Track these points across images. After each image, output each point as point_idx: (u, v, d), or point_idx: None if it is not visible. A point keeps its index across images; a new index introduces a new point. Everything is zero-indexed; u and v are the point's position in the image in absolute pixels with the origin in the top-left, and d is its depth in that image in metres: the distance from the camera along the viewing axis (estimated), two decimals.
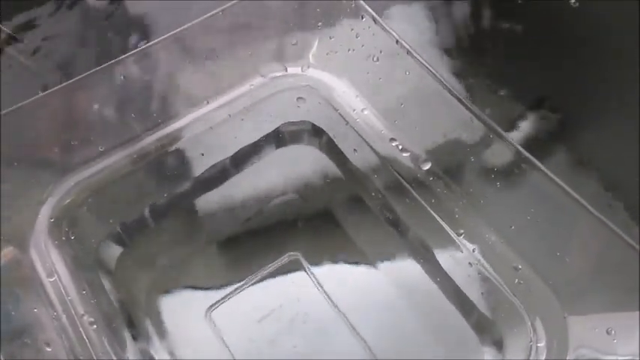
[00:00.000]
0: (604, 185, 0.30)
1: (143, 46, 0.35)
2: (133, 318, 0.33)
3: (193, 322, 0.33)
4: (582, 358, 0.29)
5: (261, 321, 0.33)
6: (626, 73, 0.30)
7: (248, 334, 0.33)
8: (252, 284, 0.34)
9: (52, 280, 0.32)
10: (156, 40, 0.35)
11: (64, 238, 0.34)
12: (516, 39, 0.33)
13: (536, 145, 0.32)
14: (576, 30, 0.32)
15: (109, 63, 0.34)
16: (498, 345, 0.31)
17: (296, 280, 0.35)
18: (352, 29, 0.37)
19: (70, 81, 0.33)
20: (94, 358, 0.30)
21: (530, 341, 0.31)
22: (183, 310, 0.34)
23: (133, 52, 0.34)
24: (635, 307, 0.28)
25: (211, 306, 0.34)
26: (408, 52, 0.34)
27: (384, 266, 0.35)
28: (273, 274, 0.35)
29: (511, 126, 0.32)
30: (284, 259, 0.35)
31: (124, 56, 0.34)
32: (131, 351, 0.32)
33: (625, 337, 0.28)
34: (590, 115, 0.32)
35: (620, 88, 0.31)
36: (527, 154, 0.31)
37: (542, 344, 0.30)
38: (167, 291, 0.34)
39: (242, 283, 0.34)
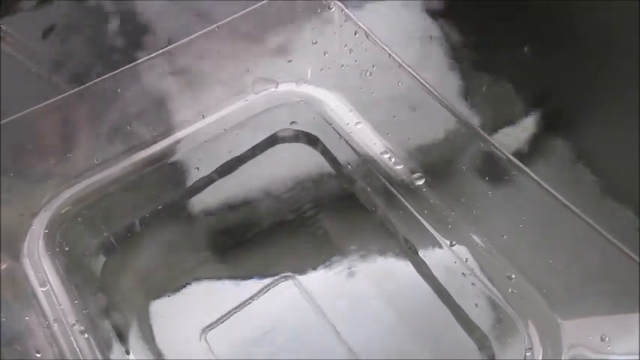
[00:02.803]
0: (596, 192, 0.31)
1: (139, 61, 0.35)
2: (125, 331, 0.33)
3: (188, 343, 0.33)
4: None
5: (256, 341, 0.32)
6: (623, 77, 0.31)
7: (244, 356, 0.32)
8: (248, 305, 0.34)
9: (44, 289, 0.32)
10: (153, 54, 0.35)
11: (57, 249, 0.34)
12: (510, 47, 0.33)
13: (528, 153, 0.32)
14: (573, 32, 0.32)
15: (106, 76, 0.34)
16: (492, 353, 0.31)
17: (291, 299, 0.34)
18: (346, 45, 0.38)
19: (67, 93, 0.34)
20: None
21: (525, 349, 0.30)
22: (178, 330, 0.33)
23: (128, 65, 0.35)
24: (628, 312, 0.28)
25: (207, 327, 0.33)
26: (400, 66, 0.35)
27: (379, 279, 0.34)
28: (268, 294, 0.34)
29: (503, 135, 0.33)
30: (280, 277, 0.35)
31: (119, 70, 0.35)
32: None
33: (619, 343, 0.28)
34: (583, 124, 0.32)
35: (617, 92, 0.31)
36: (518, 163, 0.31)
37: (536, 351, 0.30)
38: (161, 308, 0.34)
39: (238, 303, 0.34)
